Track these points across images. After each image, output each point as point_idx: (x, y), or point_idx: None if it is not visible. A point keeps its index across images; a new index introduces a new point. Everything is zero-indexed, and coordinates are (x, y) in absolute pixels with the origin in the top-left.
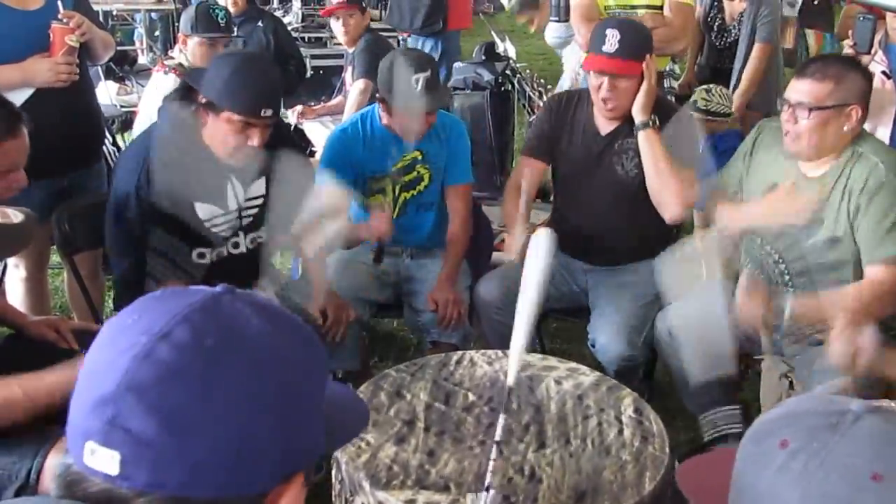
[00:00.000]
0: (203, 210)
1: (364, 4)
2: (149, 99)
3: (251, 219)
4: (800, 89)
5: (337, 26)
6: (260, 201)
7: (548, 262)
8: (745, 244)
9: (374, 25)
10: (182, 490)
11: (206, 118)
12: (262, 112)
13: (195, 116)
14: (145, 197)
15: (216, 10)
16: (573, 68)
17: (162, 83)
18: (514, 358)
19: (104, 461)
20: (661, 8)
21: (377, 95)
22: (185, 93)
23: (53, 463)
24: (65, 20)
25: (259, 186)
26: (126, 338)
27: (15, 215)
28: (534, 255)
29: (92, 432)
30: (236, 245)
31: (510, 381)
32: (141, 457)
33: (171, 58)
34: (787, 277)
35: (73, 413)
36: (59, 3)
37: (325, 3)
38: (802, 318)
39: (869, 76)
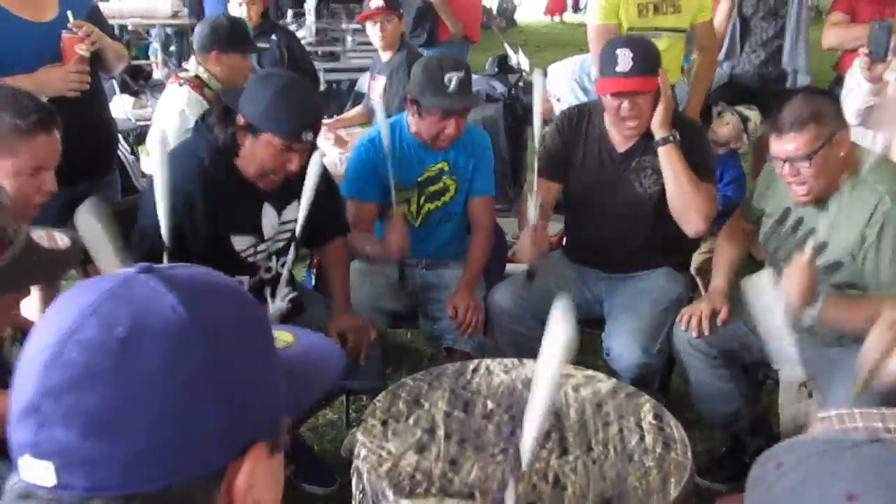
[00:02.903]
0: (239, 242)
1: (401, 11)
2: (162, 111)
3: (283, 243)
4: (788, 145)
5: (374, 31)
6: (292, 225)
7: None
8: (768, 260)
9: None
10: (124, 488)
11: (244, 140)
12: (304, 136)
13: (232, 139)
14: (186, 232)
15: (244, 24)
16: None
17: (176, 95)
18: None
19: (40, 473)
20: (684, 31)
21: (407, 97)
22: (223, 114)
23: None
24: (74, 30)
25: (292, 210)
26: (41, 339)
27: (62, 239)
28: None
29: (24, 445)
30: (269, 269)
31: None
32: (73, 463)
33: (186, 70)
34: None
35: (9, 426)
36: (69, 13)
37: (339, 15)
38: (826, 321)
39: (834, 100)
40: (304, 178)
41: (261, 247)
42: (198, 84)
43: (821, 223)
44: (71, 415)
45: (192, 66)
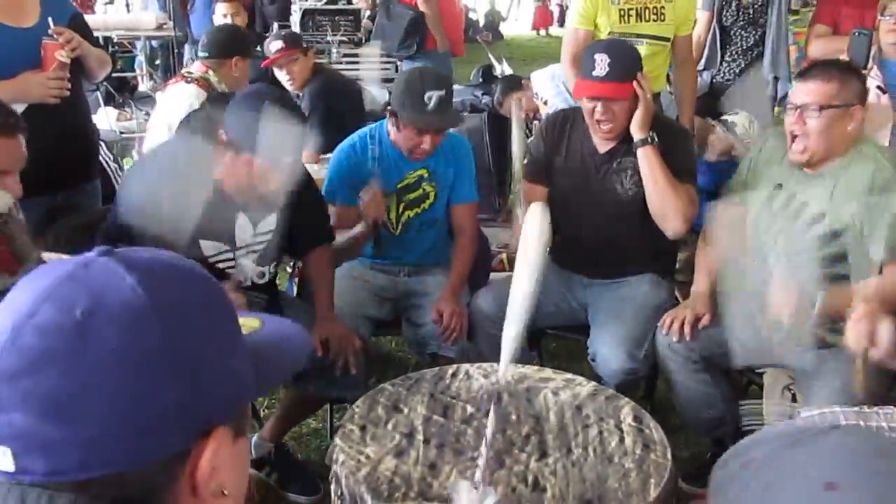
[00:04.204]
0: (207, 247)
1: (305, 45)
2: (168, 107)
3: (257, 253)
4: (807, 90)
5: (281, 75)
6: (269, 236)
7: (546, 236)
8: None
9: (363, 50)
10: (84, 472)
11: (225, 155)
12: (284, 161)
13: (213, 151)
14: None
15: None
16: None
17: (184, 91)
18: (507, 349)
19: None
20: (667, 40)
21: (388, 108)
22: (207, 125)
23: None
24: (56, 36)
25: (269, 221)
26: None
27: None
28: (530, 228)
29: None
30: (244, 279)
31: (500, 373)
32: (31, 448)
33: (190, 72)
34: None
35: None
36: (50, 19)
37: (324, 28)
38: (832, 309)
39: (864, 79)
40: (282, 191)
41: (228, 254)
42: (205, 84)
43: (816, 195)
44: (28, 399)
45: (196, 68)
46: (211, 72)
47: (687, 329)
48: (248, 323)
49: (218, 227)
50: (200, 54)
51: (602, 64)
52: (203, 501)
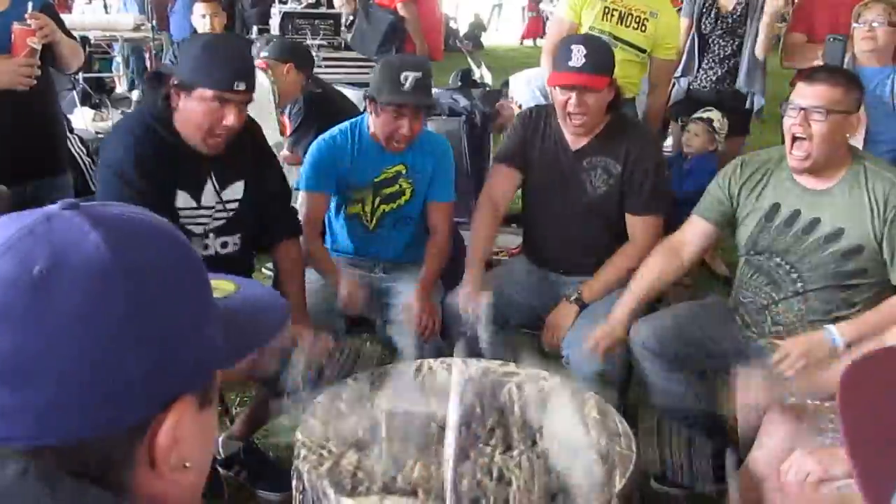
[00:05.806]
0: (181, 199)
1: (293, 61)
2: None
3: (223, 221)
4: (814, 94)
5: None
6: (235, 205)
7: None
8: (745, 260)
9: (346, 55)
10: (37, 440)
11: (178, 101)
12: (236, 86)
13: (165, 103)
14: (141, 168)
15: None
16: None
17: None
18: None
19: None
20: (643, 52)
21: (366, 95)
22: (156, 80)
23: None
24: (29, 22)
25: (237, 189)
26: None
27: None
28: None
29: None
30: (205, 247)
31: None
32: None
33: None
34: (799, 285)
35: None
36: (30, 3)
37: (304, 31)
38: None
39: (863, 88)
40: (248, 156)
41: (195, 212)
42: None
43: (826, 211)
44: None
45: (257, 65)
46: (270, 70)
47: (600, 352)
48: (223, 286)
49: (190, 180)
50: (262, 53)
51: (579, 55)
52: (161, 476)
